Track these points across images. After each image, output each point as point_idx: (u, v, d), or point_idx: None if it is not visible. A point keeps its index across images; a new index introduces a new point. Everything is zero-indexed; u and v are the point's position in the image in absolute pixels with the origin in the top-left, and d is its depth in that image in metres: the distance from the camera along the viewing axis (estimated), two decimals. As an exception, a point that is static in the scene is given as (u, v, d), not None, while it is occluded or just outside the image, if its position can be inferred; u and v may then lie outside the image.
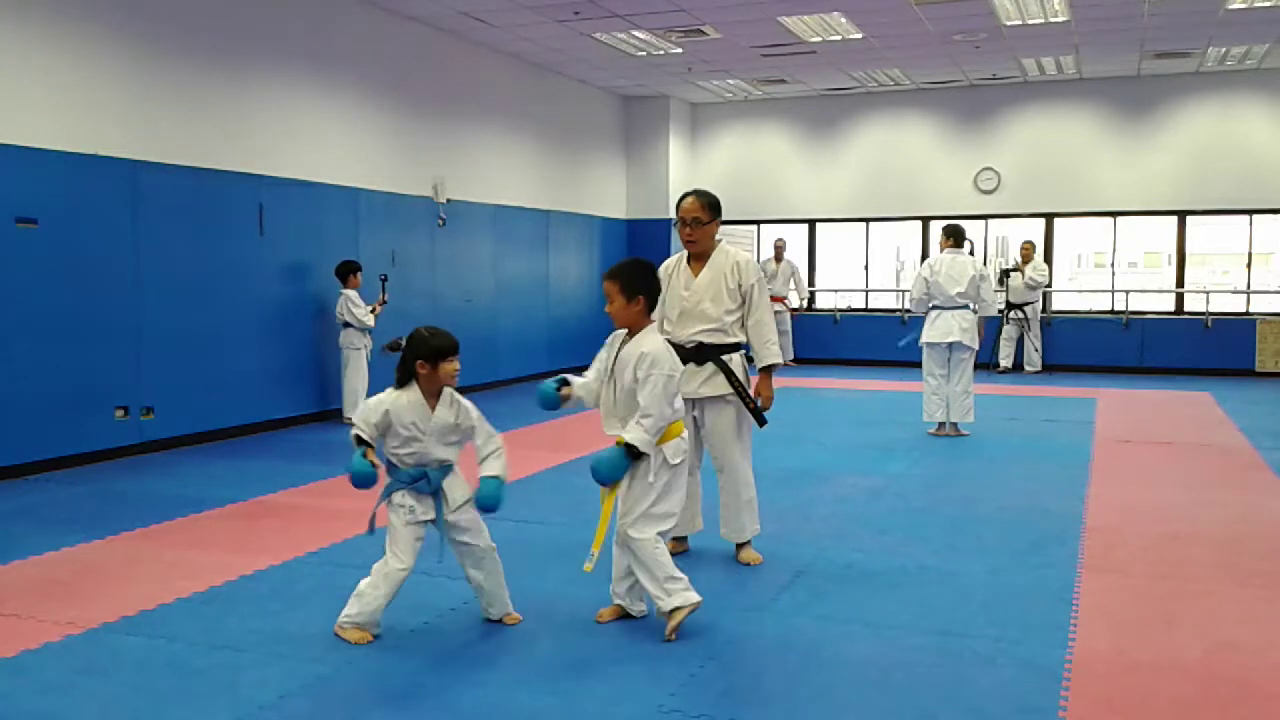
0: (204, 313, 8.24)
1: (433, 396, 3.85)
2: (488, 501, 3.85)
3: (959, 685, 3.43)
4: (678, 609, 3.81)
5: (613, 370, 3.96)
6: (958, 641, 3.82)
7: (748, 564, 4.82)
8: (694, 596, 3.85)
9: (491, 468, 3.89)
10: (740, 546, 4.90)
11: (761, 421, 4.80)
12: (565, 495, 6.36)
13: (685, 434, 3.99)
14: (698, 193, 4.80)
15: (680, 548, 4.93)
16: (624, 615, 4.07)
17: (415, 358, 3.81)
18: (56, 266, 7.11)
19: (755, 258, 15.77)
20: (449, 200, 11.26)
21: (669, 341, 4.83)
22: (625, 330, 4.00)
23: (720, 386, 4.73)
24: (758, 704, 3.31)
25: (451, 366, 3.84)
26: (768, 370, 4.82)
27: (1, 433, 6.80)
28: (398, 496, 3.88)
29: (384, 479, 3.88)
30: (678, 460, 3.90)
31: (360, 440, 3.84)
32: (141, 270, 7.74)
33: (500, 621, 4.02)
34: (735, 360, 4.77)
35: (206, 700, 3.32)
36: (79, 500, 6.31)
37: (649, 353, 3.84)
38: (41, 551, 5.07)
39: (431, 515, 3.90)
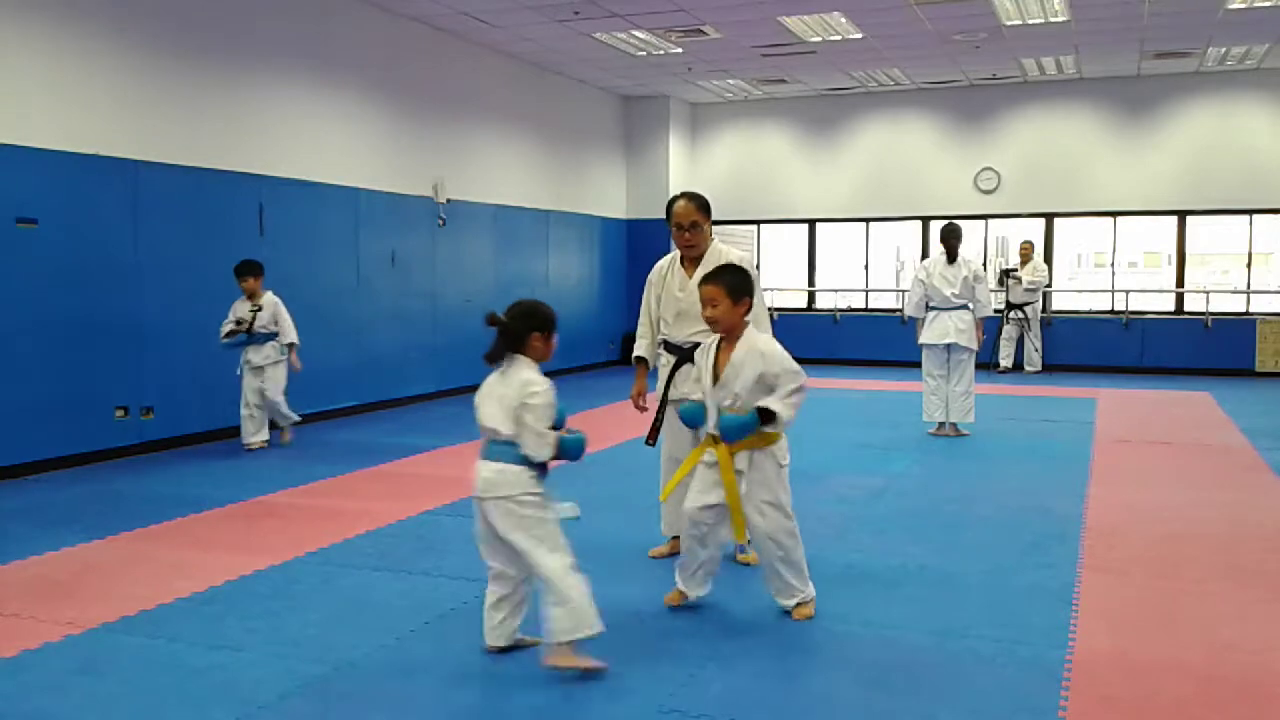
0: (204, 313, 8.23)
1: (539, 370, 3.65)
2: (572, 448, 3.57)
3: (959, 685, 3.43)
4: (809, 600, 4.06)
5: (721, 376, 3.94)
6: (958, 641, 3.82)
7: (748, 564, 4.81)
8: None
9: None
10: (740, 547, 4.88)
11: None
12: (565, 495, 6.34)
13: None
14: (689, 196, 4.76)
15: (676, 547, 4.90)
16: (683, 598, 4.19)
17: (531, 329, 3.61)
18: (56, 266, 7.11)
19: (755, 258, 15.82)
20: (449, 200, 11.26)
21: (665, 343, 4.87)
22: (718, 337, 4.03)
23: None
24: (758, 704, 3.31)
25: (555, 342, 3.71)
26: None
27: (1, 433, 6.80)
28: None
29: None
30: (786, 461, 4.10)
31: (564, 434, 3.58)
32: (141, 270, 7.74)
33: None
34: None
35: (206, 700, 3.32)
36: (79, 500, 6.31)
37: (769, 353, 3.92)
38: (41, 551, 5.07)
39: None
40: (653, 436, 4.85)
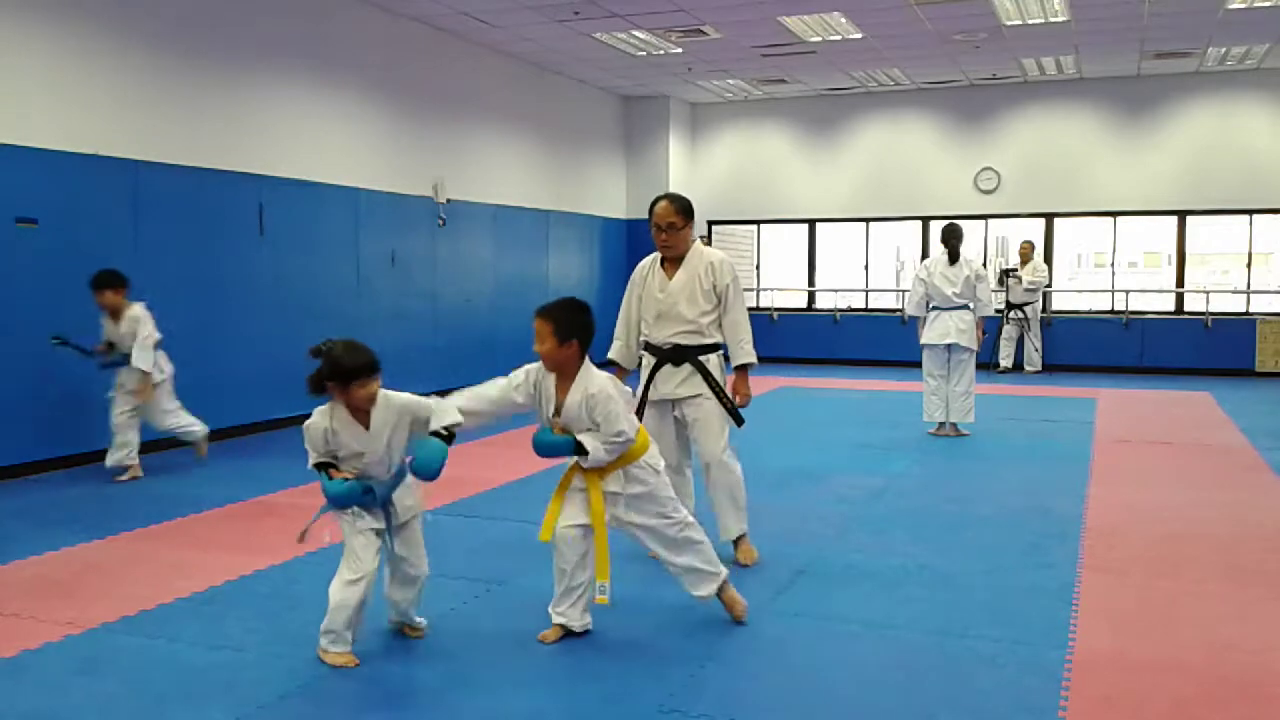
0: (204, 313, 8.23)
1: (361, 412, 3.60)
2: (422, 467, 3.50)
3: (959, 685, 3.43)
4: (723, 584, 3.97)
5: (561, 411, 3.75)
6: (958, 641, 3.82)
7: (746, 564, 4.78)
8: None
9: (437, 422, 3.61)
10: (736, 544, 4.87)
11: (739, 421, 4.80)
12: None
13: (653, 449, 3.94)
14: (670, 197, 4.77)
15: None
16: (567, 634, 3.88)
17: (325, 378, 3.54)
18: (56, 266, 7.11)
19: (755, 258, 15.82)
20: (449, 200, 11.26)
21: (646, 343, 4.87)
22: (553, 372, 3.75)
23: (697, 386, 4.75)
24: (758, 704, 3.31)
25: (365, 391, 3.55)
26: (743, 369, 4.84)
27: (1, 433, 6.80)
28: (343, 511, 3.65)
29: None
30: (656, 472, 3.90)
31: (321, 466, 3.63)
32: (141, 270, 7.73)
33: (401, 630, 3.90)
34: (713, 361, 4.78)
35: (206, 700, 3.32)
36: (79, 500, 6.31)
37: (598, 396, 3.68)
38: (41, 551, 5.07)
39: (381, 524, 3.68)
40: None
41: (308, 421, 3.65)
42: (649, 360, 4.87)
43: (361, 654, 3.69)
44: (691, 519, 3.95)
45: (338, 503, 3.60)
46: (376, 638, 3.86)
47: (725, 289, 4.75)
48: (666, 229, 4.71)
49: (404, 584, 3.81)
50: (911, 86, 14.41)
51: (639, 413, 4.71)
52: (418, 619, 3.91)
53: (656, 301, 4.79)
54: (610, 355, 5.02)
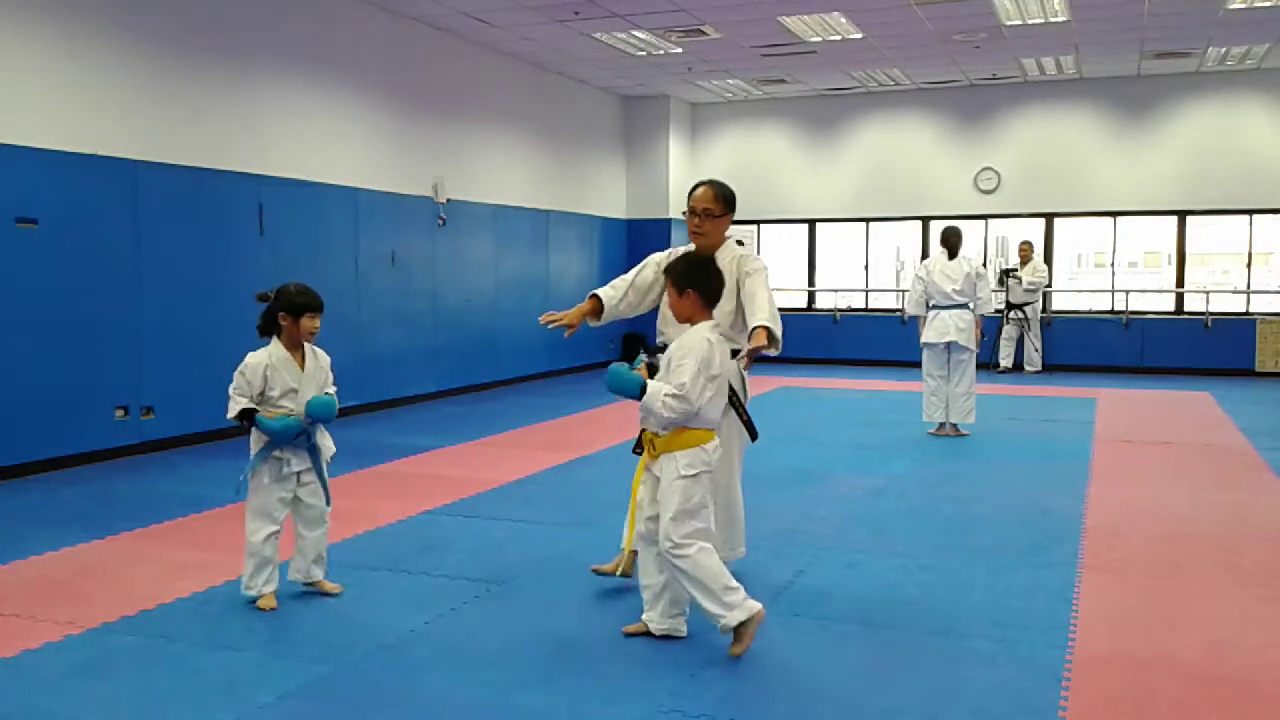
0: (204, 313, 8.23)
1: (297, 349, 4.17)
2: (319, 410, 4.13)
3: (959, 685, 3.43)
4: (744, 624, 3.61)
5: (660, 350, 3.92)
6: (958, 641, 3.82)
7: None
8: (756, 605, 3.64)
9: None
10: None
11: (753, 435, 4.44)
12: (565, 495, 6.36)
13: (712, 444, 3.73)
14: (712, 183, 4.44)
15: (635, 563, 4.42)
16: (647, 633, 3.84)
17: (278, 309, 4.10)
18: (56, 266, 7.11)
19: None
20: (449, 200, 11.26)
21: (664, 345, 4.37)
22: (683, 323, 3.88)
23: None
24: (758, 705, 3.31)
25: (311, 323, 4.12)
26: (761, 327, 4.08)
27: (1, 433, 6.80)
28: (275, 452, 4.14)
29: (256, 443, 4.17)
30: (691, 473, 3.66)
31: (245, 414, 4.11)
32: (141, 270, 7.74)
33: (316, 587, 4.31)
34: (732, 368, 4.30)
35: (206, 700, 3.32)
36: (79, 500, 6.31)
37: (685, 342, 3.70)
38: (41, 551, 5.07)
39: (306, 465, 4.20)
40: (641, 445, 4.48)
41: (245, 361, 4.14)
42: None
43: (361, 654, 3.70)
44: (689, 554, 3.61)
45: (279, 437, 4.09)
46: (377, 637, 3.86)
47: (746, 276, 4.30)
48: (703, 214, 4.36)
49: (311, 524, 4.26)
50: (911, 86, 14.41)
51: None
52: (330, 584, 4.33)
53: None
54: (595, 292, 4.56)
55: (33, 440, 6.99)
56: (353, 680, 3.50)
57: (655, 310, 4.53)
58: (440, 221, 11.13)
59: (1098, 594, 4.38)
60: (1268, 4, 10.04)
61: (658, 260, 4.53)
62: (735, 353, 4.25)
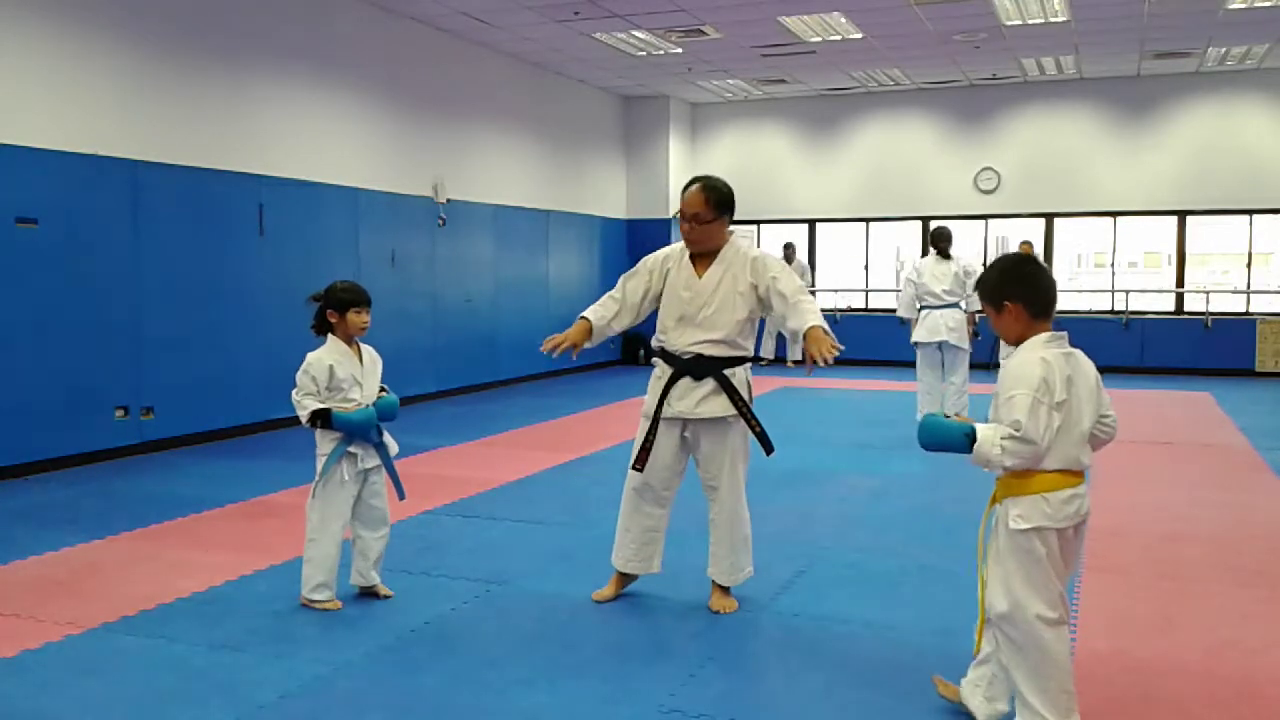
0: (204, 313, 8.23)
1: (351, 345, 4.19)
2: (387, 410, 4.19)
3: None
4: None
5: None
6: (958, 642, 3.81)
7: (719, 612, 4.10)
8: None
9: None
10: (719, 590, 4.17)
11: (769, 448, 4.08)
12: (565, 495, 6.36)
13: (1064, 494, 2.94)
14: (705, 184, 4.03)
15: (624, 585, 4.33)
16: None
17: (326, 307, 4.15)
18: (56, 266, 7.11)
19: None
20: (449, 200, 11.26)
21: (662, 349, 4.14)
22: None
23: (722, 407, 3.98)
24: (758, 704, 3.31)
25: (359, 318, 4.14)
26: (814, 327, 3.78)
27: (1, 433, 6.80)
28: (349, 447, 4.13)
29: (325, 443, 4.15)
30: (1023, 526, 2.92)
31: (318, 414, 4.04)
32: (141, 270, 7.74)
33: (373, 591, 4.31)
34: (739, 375, 4.03)
35: (206, 700, 3.31)
36: (79, 500, 6.31)
37: (1012, 366, 3.07)
38: (41, 551, 5.07)
39: (376, 461, 4.20)
40: (642, 460, 4.11)
41: (307, 360, 4.11)
42: (663, 370, 4.09)
43: (361, 654, 3.70)
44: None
45: (360, 430, 4.08)
46: (376, 637, 3.86)
47: (771, 282, 3.97)
48: (691, 219, 3.98)
49: (373, 525, 4.26)
50: (911, 86, 14.41)
51: (649, 434, 4.08)
52: (384, 588, 4.32)
53: (680, 301, 4.02)
54: (585, 312, 4.18)
55: (33, 440, 6.99)
56: (353, 680, 3.50)
57: (655, 311, 4.24)
58: (440, 221, 11.14)
59: (1098, 594, 4.38)
60: (1268, 4, 10.04)
61: (649, 267, 4.18)
62: (742, 360, 4.07)
